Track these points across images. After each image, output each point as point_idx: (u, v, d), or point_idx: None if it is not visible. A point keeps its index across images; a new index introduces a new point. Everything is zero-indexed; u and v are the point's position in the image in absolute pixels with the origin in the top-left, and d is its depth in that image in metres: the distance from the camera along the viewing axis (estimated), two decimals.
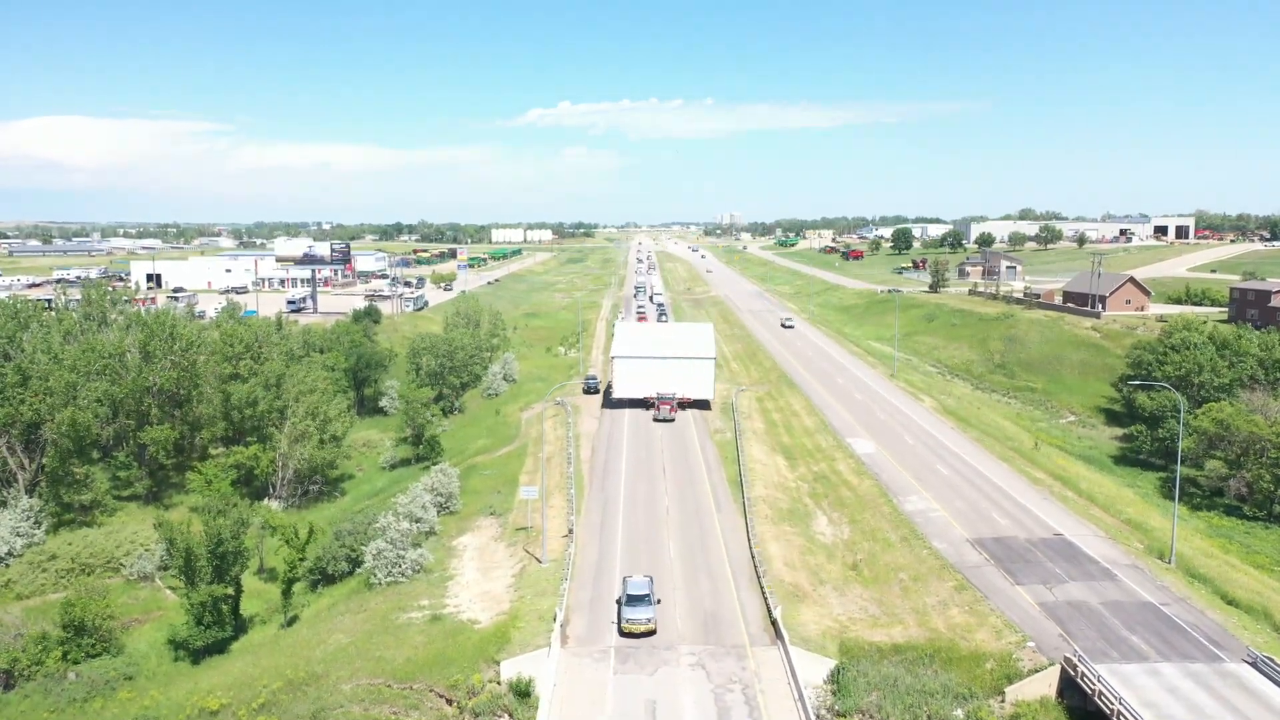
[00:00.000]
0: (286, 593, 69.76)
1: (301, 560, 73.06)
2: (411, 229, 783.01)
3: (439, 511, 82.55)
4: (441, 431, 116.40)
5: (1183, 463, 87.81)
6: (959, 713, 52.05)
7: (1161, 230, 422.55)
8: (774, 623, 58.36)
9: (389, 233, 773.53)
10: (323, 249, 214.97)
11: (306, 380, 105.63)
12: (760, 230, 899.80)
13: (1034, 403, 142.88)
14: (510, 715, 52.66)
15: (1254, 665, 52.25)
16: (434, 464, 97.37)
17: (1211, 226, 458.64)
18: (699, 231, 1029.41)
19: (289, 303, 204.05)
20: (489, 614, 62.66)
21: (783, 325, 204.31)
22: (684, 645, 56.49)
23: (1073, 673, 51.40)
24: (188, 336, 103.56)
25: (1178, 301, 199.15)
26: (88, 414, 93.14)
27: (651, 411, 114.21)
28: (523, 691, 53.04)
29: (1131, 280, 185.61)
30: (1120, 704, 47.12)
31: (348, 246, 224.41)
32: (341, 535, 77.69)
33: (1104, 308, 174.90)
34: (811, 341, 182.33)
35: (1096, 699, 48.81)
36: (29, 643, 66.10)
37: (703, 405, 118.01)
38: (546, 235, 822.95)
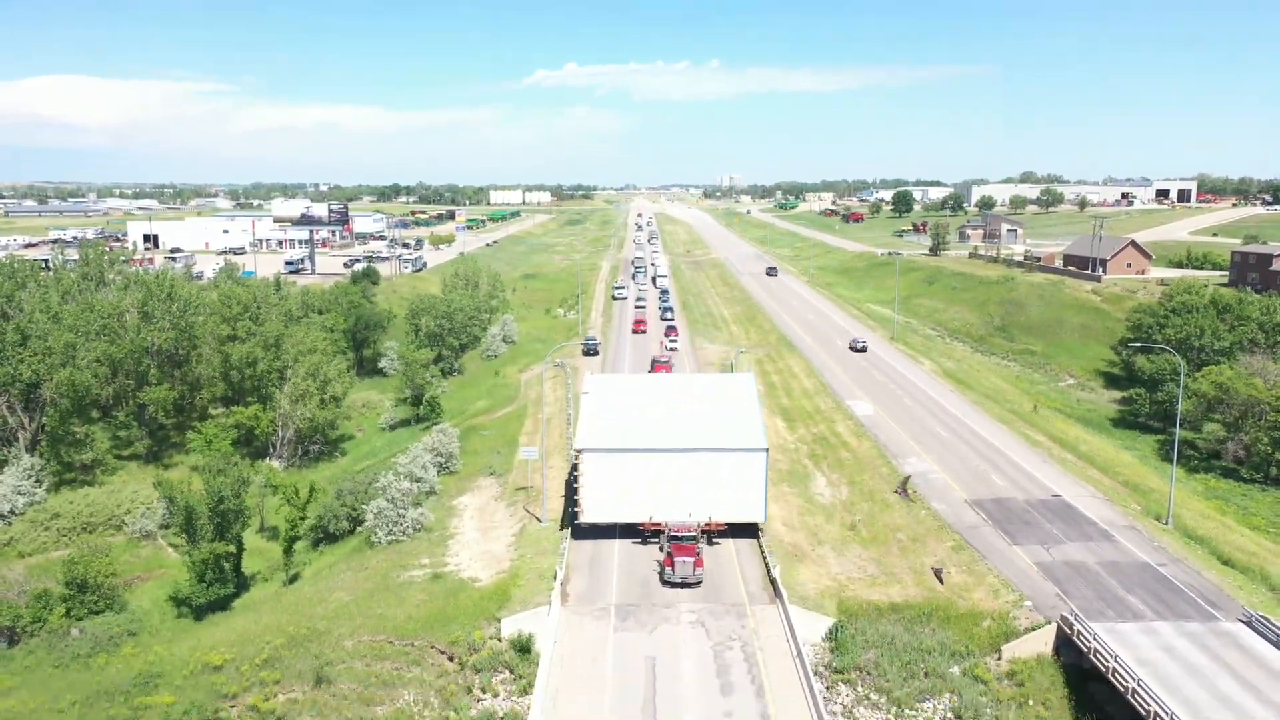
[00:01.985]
0: (288, 551, 70.12)
1: (302, 519, 73.40)
2: (409, 190, 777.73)
3: (439, 471, 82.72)
4: (441, 392, 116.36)
5: (1181, 426, 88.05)
6: (955, 670, 52.56)
7: (1163, 194, 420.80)
8: (773, 582, 58.67)
9: (386, 194, 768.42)
10: (320, 210, 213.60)
11: (306, 341, 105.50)
12: (760, 193, 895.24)
13: (1033, 365, 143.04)
14: (511, 671, 53.18)
15: (1249, 624, 52.68)
16: (434, 424, 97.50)
17: (1214, 190, 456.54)
18: (698, 194, 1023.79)
19: (287, 264, 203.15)
20: (489, 572, 63.02)
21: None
22: (684, 604, 56.83)
23: (1069, 631, 51.84)
24: (186, 297, 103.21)
25: (1178, 265, 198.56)
26: (87, 374, 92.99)
27: (651, 550, 63.67)
28: (523, 648, 53.52)
29: (1132, 244, 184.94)
30: (1115, 661, 47.56)
31: (345, 207, 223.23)
32: (342, 494, 77.94)
33: (1104, 271, 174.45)
34: (811, 304, 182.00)
35: (1092, 656, 49.27)
36: (31, 600, 66.53)
37: (749, 532, 65.67)
38: (545, 197, 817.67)
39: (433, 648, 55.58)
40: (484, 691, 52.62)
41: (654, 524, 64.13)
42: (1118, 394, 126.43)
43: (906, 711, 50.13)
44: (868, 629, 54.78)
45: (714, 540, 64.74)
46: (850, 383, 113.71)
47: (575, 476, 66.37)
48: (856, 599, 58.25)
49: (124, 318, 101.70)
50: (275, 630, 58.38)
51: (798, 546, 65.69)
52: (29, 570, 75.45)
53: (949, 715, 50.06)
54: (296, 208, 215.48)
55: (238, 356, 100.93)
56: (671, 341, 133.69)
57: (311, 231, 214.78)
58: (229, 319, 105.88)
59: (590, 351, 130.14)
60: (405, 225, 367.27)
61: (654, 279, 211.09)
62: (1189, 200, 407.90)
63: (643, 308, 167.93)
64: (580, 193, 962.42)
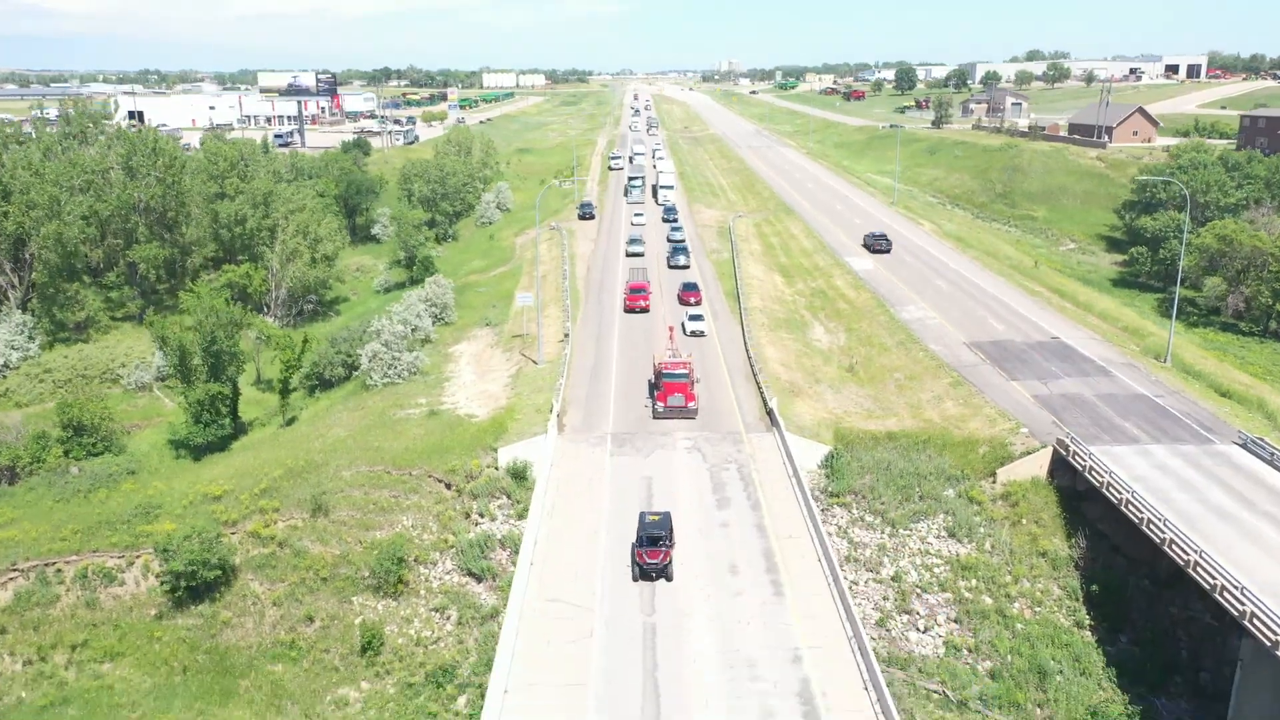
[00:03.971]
0: (284, 393, 69.88)
1: (298, 365, 72.94)
2: (400, 74, 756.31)
3: (434, 322, 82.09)
4: (435, 256, 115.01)
5: (1181, 285, 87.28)
6: (950, 492, 52.94)
7: (1172, 69, 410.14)
8: (769, 413, 58.65)
9: (376, 78, 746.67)
10: (308, 80, 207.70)
11: (295, 199, 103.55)
12: (759, 76, 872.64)
13: (1034, 231, 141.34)
14: (508, 497, 53.56)
15: (1244, 446, 52.76)
16: None
17: (1224, 67, 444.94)
18: (696, 78, 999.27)
19: (276, 136, 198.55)
20: (486, 409, 62.94)
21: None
22: (680, 432, 56.92)
23: (1064, 453, 51.89)
24: (171, 151, 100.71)
25: (1185, 135, 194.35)
26: (73, 228, 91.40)
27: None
28: (519, 474, 53.81)
29: (1140, 111, 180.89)
30: (1110, 476, 47.69)
31: (334, 77, 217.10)
32: (337, 342, 77.53)
33: (1110, 139, 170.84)
34: (810, 173, 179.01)
35: (1086, 474, 49.38)
36: (29, 441, 66.66)
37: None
38: (539, 81, 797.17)
39: (430, 476, 55.82)
40: (482, 516, 53.13)
41: None
42: (1119, 257, 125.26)
43: (901, 531, 50.75)
44: (864, 456, 55.03)
45: None
46: (849, 242, 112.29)
47: None
48: (853, 429, 58.29)
49: (109, 174, 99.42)
50: (273, 464, 58.66)
51: (795, 384, 65.52)
52: (26, 418, 75.50)
53: (942, 533, 50.73)
54: (283, 79, 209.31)
55: (226, 214, 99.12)
56: (695, 315, 77.45)
57: (300, 104, 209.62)
58: (216, 176, 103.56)
59: (586, 216, 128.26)
60: (397, 105, 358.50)
61: (655, 190, 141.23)
62: (1198, 76, 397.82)
63: (639, 254, 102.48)
64: (575, 77, 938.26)
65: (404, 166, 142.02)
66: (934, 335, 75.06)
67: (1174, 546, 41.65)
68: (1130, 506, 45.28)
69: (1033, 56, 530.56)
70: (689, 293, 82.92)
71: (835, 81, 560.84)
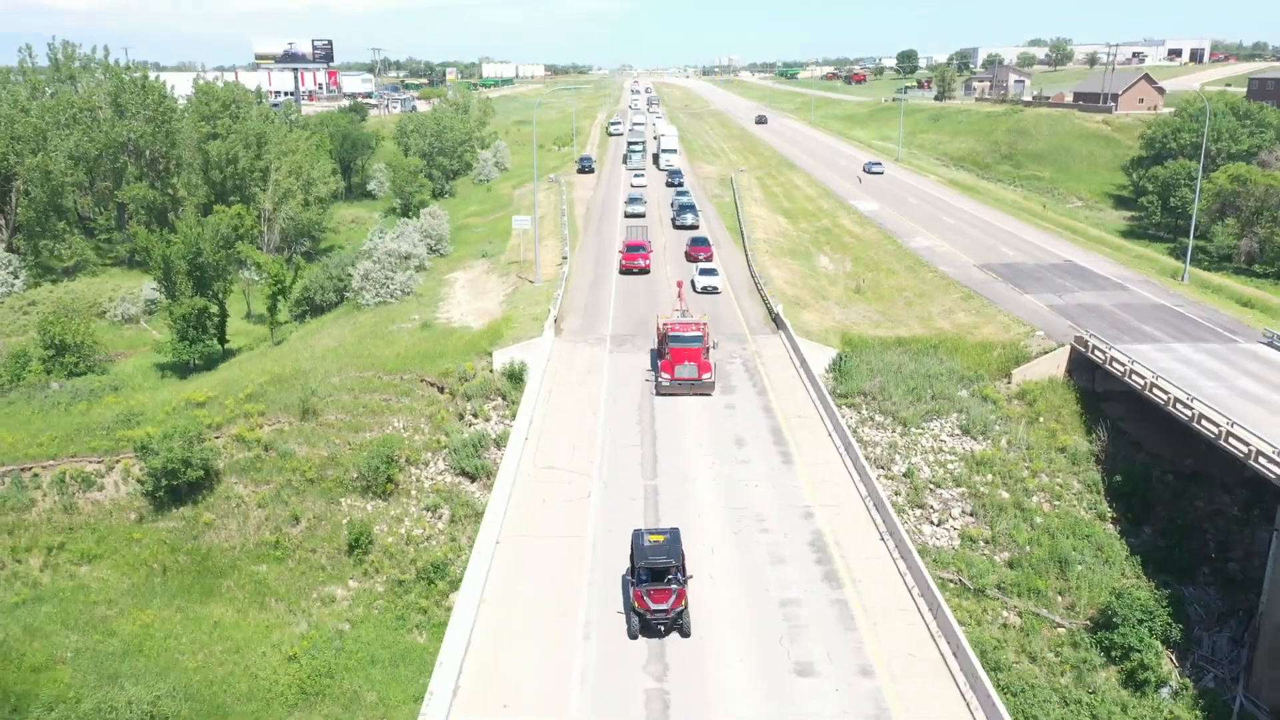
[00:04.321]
0: (272, 310, 67.54)
1: (288, 291, 70.67)
2: (399, 66, 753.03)
3: (429, 253, 79.91)
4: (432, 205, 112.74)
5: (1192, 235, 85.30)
6: (964, 392, 50.80)
7: (1175, 53, 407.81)
8: (775, 318, 56.61)
9: (374, 70, 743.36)
10: (304, 46, 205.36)
11: (288, 141, 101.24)
12: (759, 69, 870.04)
13: (1040, 190, 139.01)
14: (503, 398, 51.41)
15: (1270, 344, 50.72)
16: None
17: (1227, 53, 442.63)
18: (696, 71, 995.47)
19: (273, 106, 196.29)
20: (481, 321, 60.90)
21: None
22: None
23: (1083, 349, 49.76)
24: (160, 90, 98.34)
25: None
26: (60, 162, 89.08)
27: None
28: (515, 375, 51.60)
29: (1146, 78, 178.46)
30: (1133, 365, 45.54)
31: (330, 44, 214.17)
32: (328, 268, 75.35)
33: (1116, 105, 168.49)
34: (812, 137, 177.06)
35: (1108, 366, 47.26)
36: (8, 359, 64.47)
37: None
38: (539, 72, 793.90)
39: (422, 380, 53.69)
40: (475, 416, 51.03)
41: None
42: (1127, 213, 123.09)
43: (913, 430, 48.59)
44: (873, 359, 52.88)
45: None
46: (853, 189, 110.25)
47: None
48: (861, 335, 56.28)
49: (97, 113, 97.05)
50: (260, 373, 56.51)
51: (800, 299, 63.44)
52: (8, 345, 73.21)
53: (956, 431, 48.61)
54: (279, 44, 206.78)
55: (217, 154, 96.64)
56: (706, 269, 67.48)
57: (297, 76, 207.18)
58: (208, 117, 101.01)
59: (585, 170, 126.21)
60: (395, 90, 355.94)
61: (656, 156, 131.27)
62: (1202, 60, 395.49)
63: (640, 214, 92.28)
64: (575, 70, 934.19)
65: (400, 121, 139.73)
66: (943, 260, 72.97)
67: (1204, 421, 39.50)
68: (1156, 389, 43.14)
69: (1034, 44, 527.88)
70: (698, 248, 73.35)
71: (836, 69, 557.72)
